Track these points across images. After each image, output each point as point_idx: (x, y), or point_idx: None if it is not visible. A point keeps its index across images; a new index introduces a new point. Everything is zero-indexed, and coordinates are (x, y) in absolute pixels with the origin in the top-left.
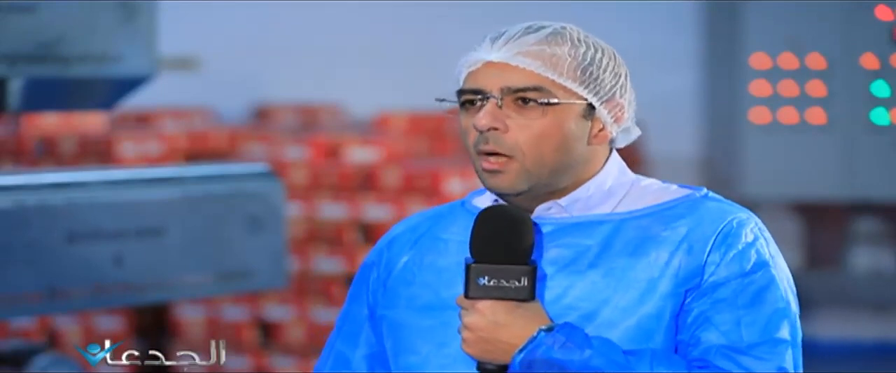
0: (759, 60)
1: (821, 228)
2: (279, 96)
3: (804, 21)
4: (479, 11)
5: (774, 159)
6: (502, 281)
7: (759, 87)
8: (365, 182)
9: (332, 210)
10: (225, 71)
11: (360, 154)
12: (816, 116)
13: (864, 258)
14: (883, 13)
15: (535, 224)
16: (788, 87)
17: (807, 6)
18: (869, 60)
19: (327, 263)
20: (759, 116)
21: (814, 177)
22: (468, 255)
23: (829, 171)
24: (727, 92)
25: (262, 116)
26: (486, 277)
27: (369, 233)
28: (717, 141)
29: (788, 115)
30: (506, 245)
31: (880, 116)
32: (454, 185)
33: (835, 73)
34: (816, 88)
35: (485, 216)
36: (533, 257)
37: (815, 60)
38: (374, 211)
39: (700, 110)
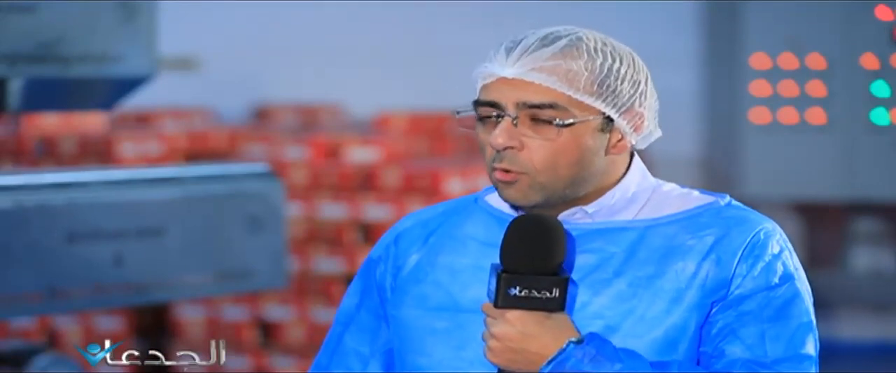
0: (759, 60)
1: (821, 228)
2: (279, 96)
3: (804, 21)
4: (479, 12)
5: (774, 159)
6: (534, 291)
7: (759, 88)
8: (365, 182)
9: (332, 210)
10: (225, 71)
11: (360, 154)
12: (816, 116)
13: (864, 258)
14: (883, 13)
15: (567, 232)
16: (788, 87)
17: (807, 6)
18: (869, 60)
19: (327, 263)
20: (759, 116)
21: (814, 177)
22: (496, 261)
23: (829, 171)
24: (727, 92)
25: (262, 116)
26: (518, 287)
27: (369, 233)
28: (717, 141)
29: (788, 115)
30: (539, 255)
31: (880, 116)
32: (454, 185)
33: (835, 73)
34: (816, 88)
35: (517, 224)
36: (564, 267)
37: (815, 60)
38: (374, 211)
39: (700, 110)
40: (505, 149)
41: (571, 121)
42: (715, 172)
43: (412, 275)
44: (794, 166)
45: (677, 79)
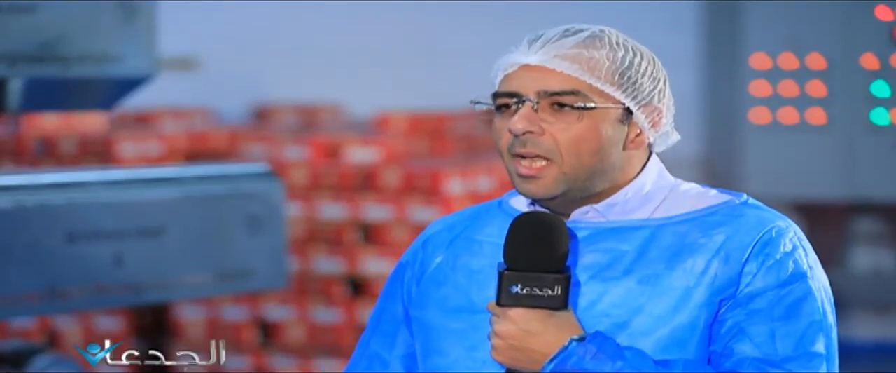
0: (759, 60)
1: (821, 228)
2: (279, 96)
3: (804, 21)
4: (479, 12)
5: (774, 159)
6: (535, 289)
7: (759, 87)
8: (365, 182)
9: (332, 210)
10: (225, 71)
11: (360, 154)
12: (816, 116)
13: (864, 258)
14: (883, 13)
15: (571, 229)
16: (788, 88)
17: (807, 6)
18: (869, 60)
19: (327, 263)
20: (759, 116)
21: (814, 177)
22: (501, 260)
23: (829, 171)
24: (727, 92)
25: (262, 116)
26: (519, 285)
27: (369, 233)
28: (717, 141)
29: (788, 115)
30: (540, 253)
31: (880, 116)
32: (454, 185)
33: (835, 73)
34: (816, 88)
35: (520, 222)
36: (567, 264)
37: (815, 60)
38: (374, 211)
39: (700, 110)
40: (524, 133)
41: (592, 105)
42: (715, 173)
43: (434, 277)
44: (794, 166)
45: (677, 79)
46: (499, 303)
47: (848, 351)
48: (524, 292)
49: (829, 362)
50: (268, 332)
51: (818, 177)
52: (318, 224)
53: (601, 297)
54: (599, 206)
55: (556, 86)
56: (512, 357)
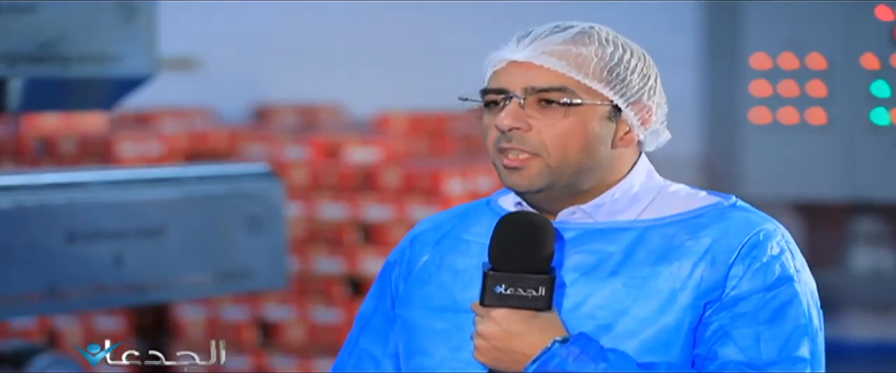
0: (759, 60)
1: (821, 228)
2: (279, 96)
3: (804, 21)
4: (479, 12)
5: (774, 159)
6: (519, 290)
7: (759, 87)
8: (365, 182)
9: (332, 210)
10: (225, 71)
11: (360, 154)
12: (816, 116)
13: (864, 258)
14: (883, 13)
15: (557, 230)
16: (788, 88)
17: (807, 6)
18: (869, 60)
19: (327, 263)
20: (759, 116)
21: (814, 177)
22: (486, 260)
23: (829, 171)
24: (727, 92)
25: (262, 116)
26: (503, 286)
27: (369, 233)
28: (717, 141)
29: (788, 115)
30: (525, 253)
31: (880, 116)
32: (454, 185)
33: (835, 73)
34: (816, 88)
35: (505, 222)
36: (552, 265)
37: (815, 60)
38: (374, 211)
39: (700, 110)
40: (511, 129)
41: (578, 101)
42: (715, 172)
43: (419, 276)
44: (794, 166)
45: (677, 79)
46: (482, 303)
47: (847, 351)
48: (508, 292)
49: (813, 366)
50: (268, 332)
51: (818, 177)
52: (318, 224)
53: (586, 298)
54: (586, 206)
55: (542, 82)
56: (494, 358)
